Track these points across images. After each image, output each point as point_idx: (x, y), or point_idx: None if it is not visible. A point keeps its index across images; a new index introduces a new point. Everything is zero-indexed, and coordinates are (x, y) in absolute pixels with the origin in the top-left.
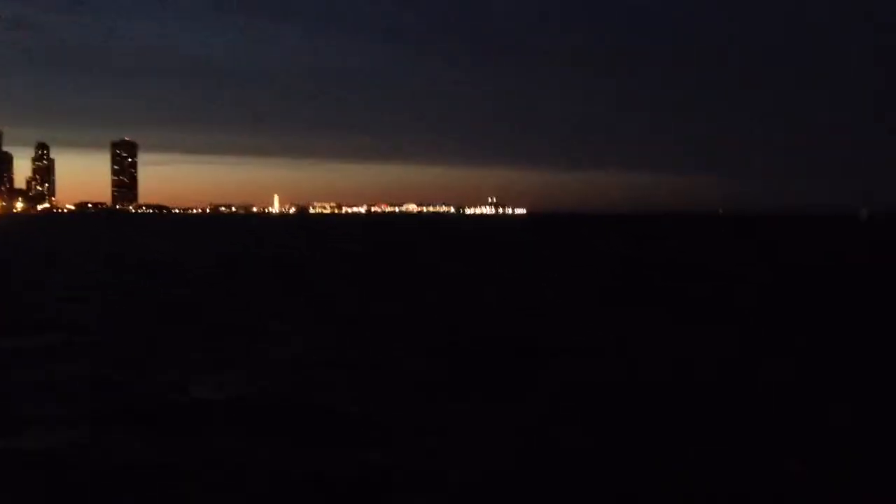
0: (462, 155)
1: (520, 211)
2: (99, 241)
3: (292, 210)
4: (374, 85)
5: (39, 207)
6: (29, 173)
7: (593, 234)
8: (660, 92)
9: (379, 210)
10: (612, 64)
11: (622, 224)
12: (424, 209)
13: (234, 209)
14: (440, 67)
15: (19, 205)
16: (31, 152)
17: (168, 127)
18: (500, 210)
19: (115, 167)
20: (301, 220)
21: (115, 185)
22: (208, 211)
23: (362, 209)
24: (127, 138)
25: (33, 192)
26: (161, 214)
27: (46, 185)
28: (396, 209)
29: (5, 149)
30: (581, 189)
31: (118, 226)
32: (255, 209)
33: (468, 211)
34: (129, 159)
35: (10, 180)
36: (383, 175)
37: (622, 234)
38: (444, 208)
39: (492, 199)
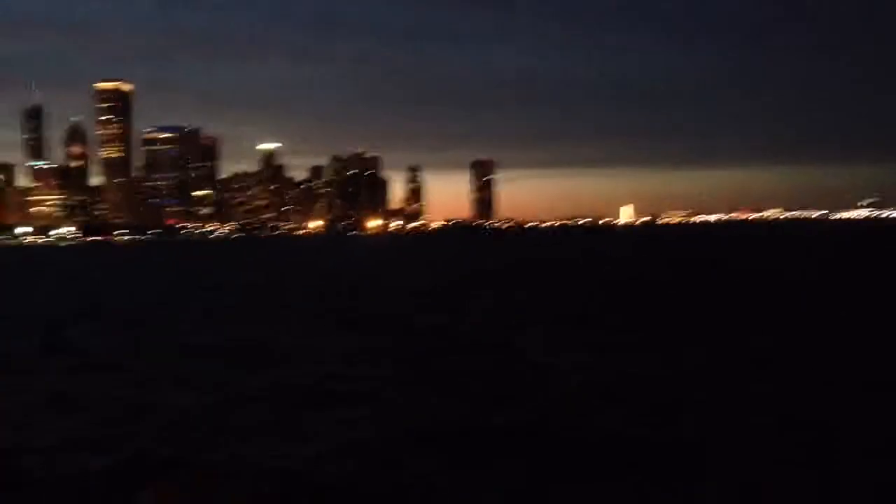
0: (834, 153)
1: None
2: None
3: (640, 221)
4: (737, 84)
5: (411, 226)
6: (402, 194)
7: None
8: None
9: (738, 217)
10: None
11: None
12: (787, 214)
13: (581, 222)
14: (802, 63)
15: (394, 223)
16: (403, 175)
17: (523, 144)
18: (882, 213)
19: (475, 185)
20: (641, 231)
21: (474, 202)
22: (557, 224)
23: (718, 217)
24: (484, 157)
25: (407, 211)
26: (515, 229)
27: (418, 204)
28: (756, 216)
29: (382, 174)
30: None
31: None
32: (602, 221)
33: (840, 215)
34: (487, 177)
35: (387, 201)
36: (743, 179)
37: None
38: (811, 213)
39: (869, 199)
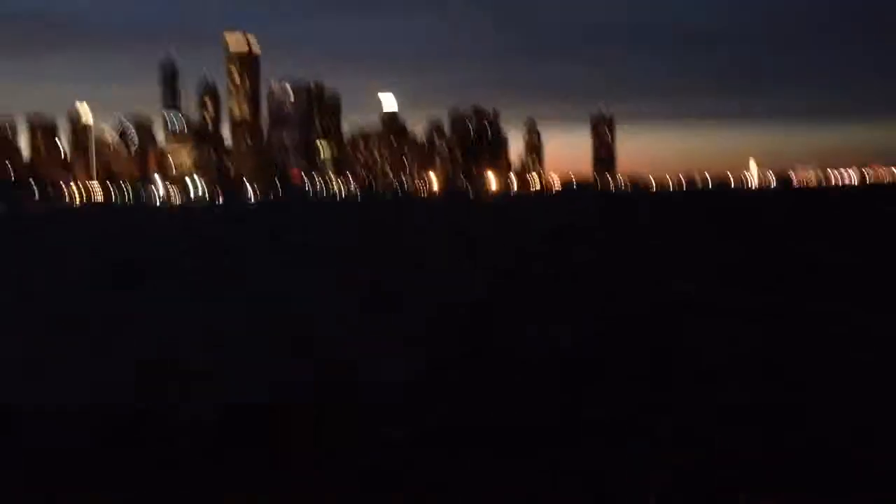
0: None
1: None
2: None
3: (772, 180)
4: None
5: (530, 181)
6: (521, 150)
7: None
8: None
9: (873, 174)
10: None
11: None
12: None
13: (708, 181)
14: None
15: (514, 185)
16: (521, 130)
17: (645, 97)
18: None
19: (595, 141)
20: (782, 196)
21: (595, 157)
22: (683, 185)
23: (853, 173)
24: (604, 112)
25: (525, 168)
26: (637, 192)
27: (537, 160)
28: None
29: (501, 130)
30: None
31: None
32: (731, 179)
33: None
34: (608, 132)
35: (506, 157)
36: (876, 133)
37: None
38: None
39: None
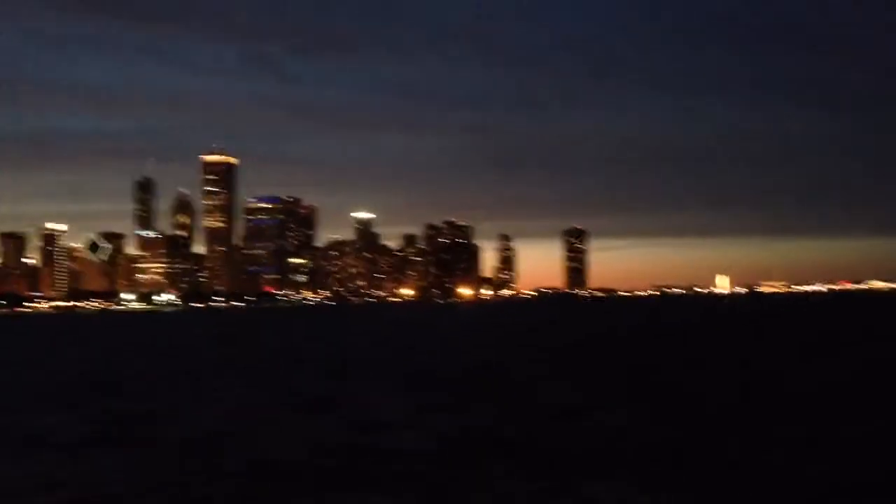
0: None
1: None
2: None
3: (739, 290)
4: (825, 153)
5: (503, 293)
6: (494, 263)
7: None
8: None
9: (839, 288)
10: None
11: None
12: (888, 286)
13: (678, 291)
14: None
15: (485, 291)
16: (495, 243)
17: (616, 212)
18: None
19: (567, 254)
20: (746, 300)
21: (567, 270)
22: (649, 293)
23: (820, 287)
24: (577, 226)
25: (497, 279)
26: (608, 298)
27: (509, 273)
28: (855, 286)
29: (474, 242)
30: None
31: (569, 307)
32: (698, 290)
33: None
34: (580, 246)
35: (479, 269)
36: (845, 249)
37: None
38: None
39: None
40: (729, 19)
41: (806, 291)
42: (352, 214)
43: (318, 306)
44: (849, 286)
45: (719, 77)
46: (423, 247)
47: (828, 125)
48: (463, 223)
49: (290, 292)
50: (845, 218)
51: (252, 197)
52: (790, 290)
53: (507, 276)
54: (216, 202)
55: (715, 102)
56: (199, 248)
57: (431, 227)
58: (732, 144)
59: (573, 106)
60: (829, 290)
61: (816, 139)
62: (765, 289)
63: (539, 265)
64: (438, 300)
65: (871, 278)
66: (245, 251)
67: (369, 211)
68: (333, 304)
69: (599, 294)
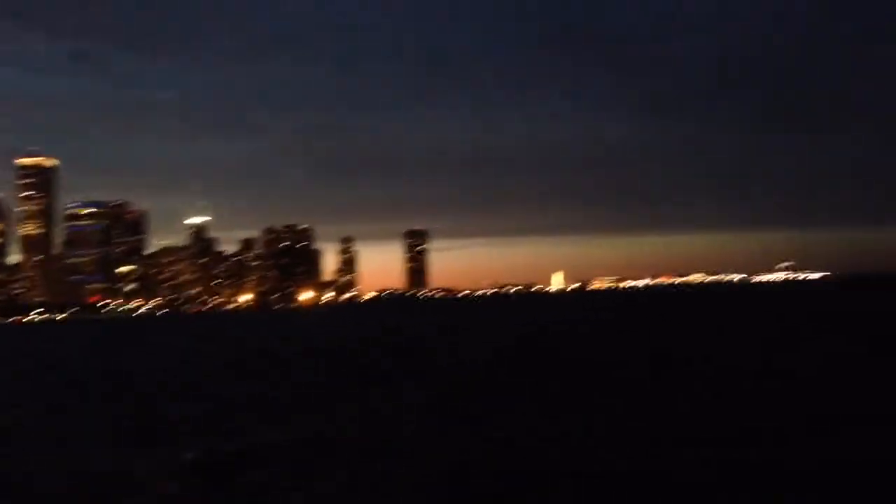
0: (752, 219)
1: (816, 275)
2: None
3: (571, 287)
4: (649, 156)
5: (344, 297)
6: (335, 266)
7: None
8: None
9: (662, 282)
10: None
11: None
12: (710, 279)
13: (515, 289)
14: (706, 133)
15: (327, 295)
16: (336, 246)
17: (456, 213)
18: (796, 275)
19: (408, 255)
20: (571, 296)
21: (408, 271)
22: (489, 292)
23: (646, 282)
24: (418, 227)
25: (339, 283)
26: (448, 298)
27: (351, 276)
28: (680, 280)
29: (315, 246)
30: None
31: (408, 310)
32: (534, 288)
33: (759, 278)
34: (419, 247)
35: (320, 273)
36: (668, 246)
37: None
38: (732, 276)
39: (785, 263)
40: (575, 24)
41: (634, 287)
42: (186, 221)
43: (149, 315)
44: (673, 280)
45: (551, 82)
46: (261, 251)
47: (650, 130)
48: (303, 226)
49: (119, 302)
50: (670, 216)
51: (72, 202)
52: (618, 286)
53: (349, 280)
54: (33, 207)
55: (568, 105)
56: (15, 257)
57: (270, 230)
58: (576, 146)
59: (413, 108)
60: (653, 284)
61: (640, 143)
62: (596, 285)
63: (381, 267)
64: (278, 305)
65: (694, 272)
66: (66, 259)
67: (204, 215)
68: (166, 312)
69: (438, 294)
